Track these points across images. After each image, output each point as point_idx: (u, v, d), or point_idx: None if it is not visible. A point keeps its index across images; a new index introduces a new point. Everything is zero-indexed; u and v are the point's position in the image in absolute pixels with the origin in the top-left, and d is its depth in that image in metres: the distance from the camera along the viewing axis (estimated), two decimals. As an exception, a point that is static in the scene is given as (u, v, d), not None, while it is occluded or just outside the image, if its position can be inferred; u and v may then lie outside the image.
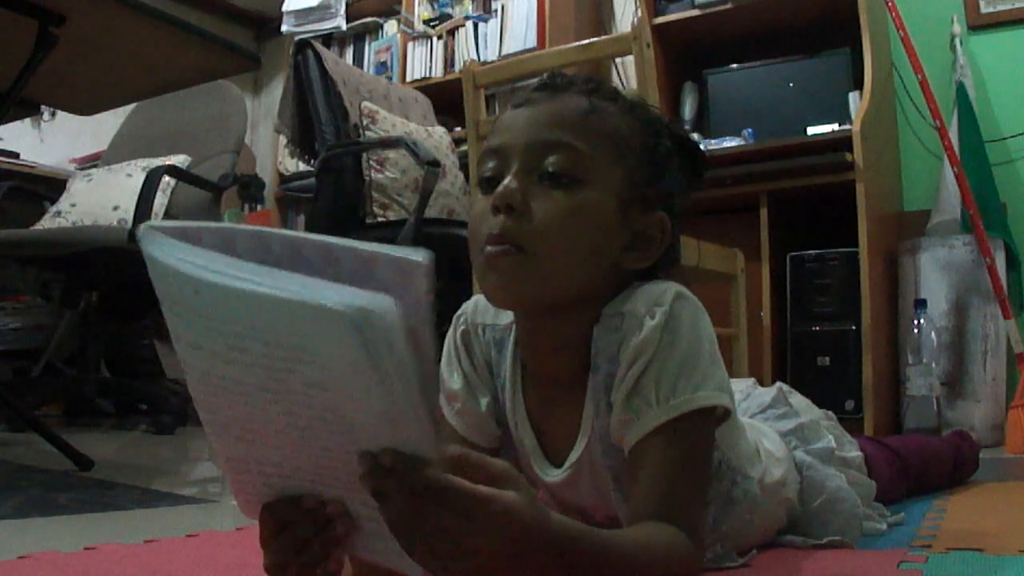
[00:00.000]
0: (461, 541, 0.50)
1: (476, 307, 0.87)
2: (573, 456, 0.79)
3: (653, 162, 0.79)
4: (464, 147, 2.44)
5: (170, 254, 0.48)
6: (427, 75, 3.49)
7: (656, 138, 0.80)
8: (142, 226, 0.50)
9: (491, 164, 0.77)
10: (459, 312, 0.88)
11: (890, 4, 2.56)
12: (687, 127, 2.92)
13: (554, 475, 0.81)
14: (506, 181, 0.73)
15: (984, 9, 2.75)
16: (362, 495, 0.52)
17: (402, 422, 0.48)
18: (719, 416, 0.74)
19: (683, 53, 3.01)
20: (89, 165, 3.24)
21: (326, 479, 0.55)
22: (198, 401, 0.54)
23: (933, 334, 2.29)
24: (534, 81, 0.82)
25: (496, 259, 0.73)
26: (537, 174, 0.74)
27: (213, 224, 0.52)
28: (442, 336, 0.87)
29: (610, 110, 0.77)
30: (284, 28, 3.81)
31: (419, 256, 0.47)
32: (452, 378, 0.86)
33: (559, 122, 0.75)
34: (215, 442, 0.56)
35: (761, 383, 1.11)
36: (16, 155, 3.40)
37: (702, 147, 2.65)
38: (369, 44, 3.78)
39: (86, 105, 2.07)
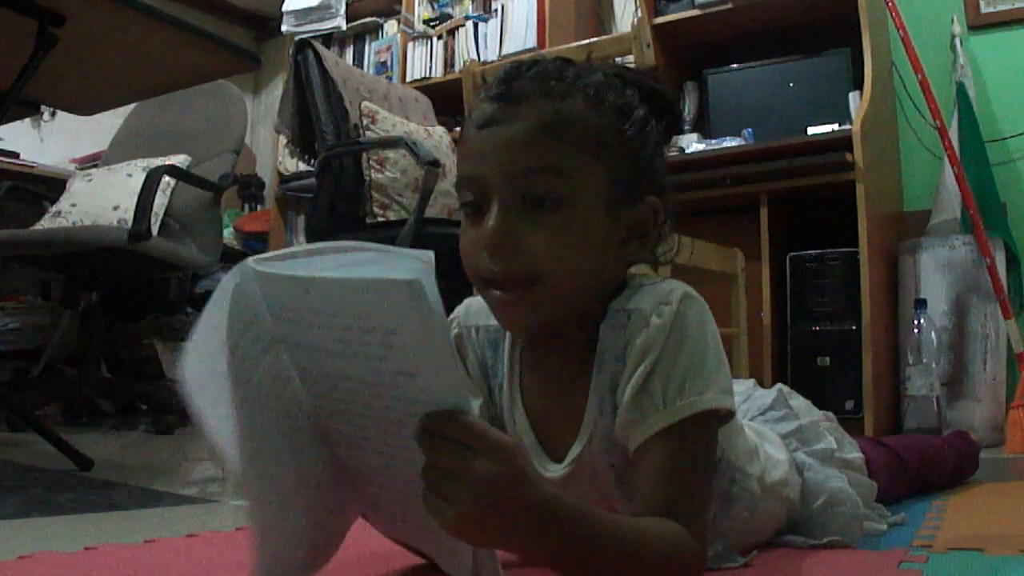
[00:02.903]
0: (464, 469, 0.55)
1: (468, 310, 0.87)
2: (574, 452, 0.79)
3: (631, 148, 0.77)
4: (464, 147, 2.43)
5: (282, 268, 0.58)
6: (427, 75, 3.49)
7: (628, 119, 0.77)
8: (249, 260, 0.60)
9: (469, 192, 0.76)
10: (451, 316, 0.88)
11: (890, 4, 2.56)
12: (687, 127, 2.91)
13: (554, 471, 0.81)
14: (491, 220, 0.72)
15: (984, 9, 2.75)
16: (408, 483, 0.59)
17: (446, 375, 0.55)
18: (722, 417, 0.75)
19: (683, 53, 3.01)
20: (89, 165, 3.24)
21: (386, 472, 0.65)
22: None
23: (933, 334, 2.29)
24: (492, 88, 0.77)
25: (501, 300, 0.75)
26: (519, 200, 0.73)
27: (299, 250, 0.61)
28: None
29: (576, 107, 0.74)
30: (284, 28, 3.81)
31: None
32: None
33: (529, 143, 0.72)
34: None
35: (761, 383, 1.11)
36: (16, 155, 3.40)
37: (702, 146, 2.67)
38: (369, 44, 3.78)
39: (86, 105, 2.07)
